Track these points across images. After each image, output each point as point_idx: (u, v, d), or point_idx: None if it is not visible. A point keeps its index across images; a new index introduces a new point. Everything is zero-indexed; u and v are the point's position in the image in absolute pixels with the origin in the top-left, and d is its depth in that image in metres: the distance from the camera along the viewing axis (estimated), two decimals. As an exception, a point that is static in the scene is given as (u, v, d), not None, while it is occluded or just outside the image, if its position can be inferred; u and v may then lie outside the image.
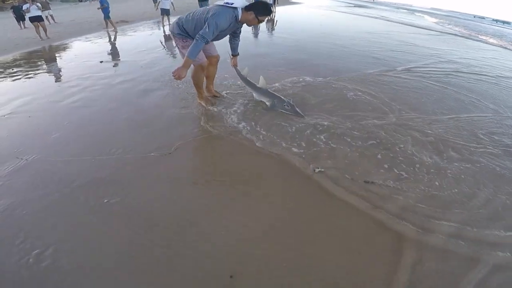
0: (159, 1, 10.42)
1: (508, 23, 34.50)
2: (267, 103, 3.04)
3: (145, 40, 7.44)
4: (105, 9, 9.45)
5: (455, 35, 11.69)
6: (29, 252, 1.48)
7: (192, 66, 2.72)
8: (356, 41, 7.47)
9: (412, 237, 1.61)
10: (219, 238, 1.57)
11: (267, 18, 2.70)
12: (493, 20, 39.90)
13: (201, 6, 10.30)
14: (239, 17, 2.56)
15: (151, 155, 2.27)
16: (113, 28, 9.40)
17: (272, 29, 9.22)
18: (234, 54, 3.24)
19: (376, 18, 15.48)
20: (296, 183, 2.00)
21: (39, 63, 5.47)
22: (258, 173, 2.10)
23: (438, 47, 7.67)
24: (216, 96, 3.32)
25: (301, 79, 4.03)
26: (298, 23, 11.12)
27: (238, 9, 2.53)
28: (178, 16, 2.72)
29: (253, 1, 2.60)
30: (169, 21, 10.29)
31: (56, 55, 6.37)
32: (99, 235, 1.59)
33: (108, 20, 9.48)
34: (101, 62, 5.17)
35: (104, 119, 2.90)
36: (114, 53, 6.06)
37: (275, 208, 1.79)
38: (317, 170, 2.09)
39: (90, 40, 7.80)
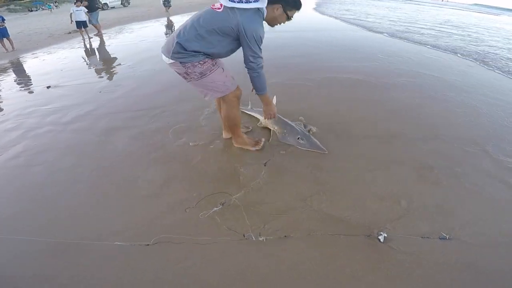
0: (71, 13, 8.75)
1: None
2: (277, 133, 2.40)
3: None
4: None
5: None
6: None
7: (217, 99, 2.22)
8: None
9: None
10: None
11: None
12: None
13: None
14: (264, 15, 1.84)
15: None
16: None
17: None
18: None
19: None
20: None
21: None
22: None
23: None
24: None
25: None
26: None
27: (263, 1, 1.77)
28: (172, 36, 1.83)
29: None
30: (88, 34, 8.83)
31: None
32: None
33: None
34: (48, 87, 4.25)
35: (60, 189, 2.00)
36: (64, 73, 5.04)
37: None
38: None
39: (37, 57, 6.71)
